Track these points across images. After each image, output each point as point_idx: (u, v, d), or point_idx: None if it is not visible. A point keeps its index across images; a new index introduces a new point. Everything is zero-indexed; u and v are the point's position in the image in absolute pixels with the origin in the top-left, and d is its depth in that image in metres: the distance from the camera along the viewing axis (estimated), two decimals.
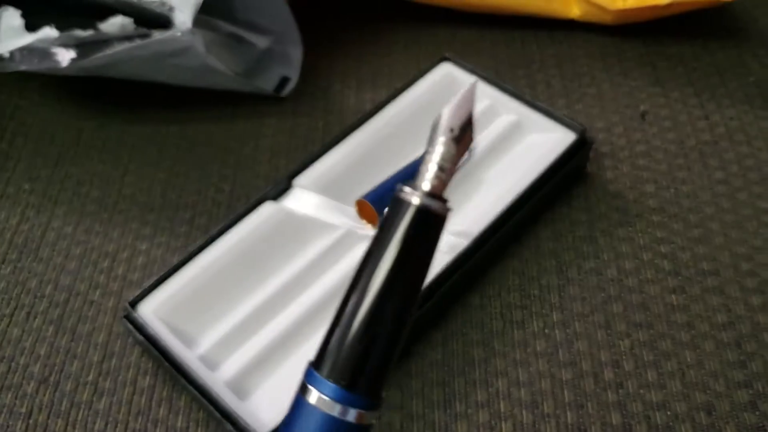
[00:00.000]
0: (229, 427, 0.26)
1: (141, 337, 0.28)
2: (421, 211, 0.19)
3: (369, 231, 0.31)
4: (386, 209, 0.30)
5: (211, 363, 0.28)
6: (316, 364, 0.19)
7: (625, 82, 0.38)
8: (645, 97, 0.37)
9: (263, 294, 0.29)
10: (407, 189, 0.19)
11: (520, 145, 0.34)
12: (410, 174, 0.31)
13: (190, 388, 0.27)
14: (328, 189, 0.32)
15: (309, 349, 0.28)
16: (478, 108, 0.34)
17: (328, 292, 0.29)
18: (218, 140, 0.37)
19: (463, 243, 0.30)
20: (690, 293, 0.31)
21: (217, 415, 0.26)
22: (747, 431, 0.27)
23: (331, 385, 0.19)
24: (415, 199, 0.19)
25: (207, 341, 0.28)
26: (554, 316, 0.30)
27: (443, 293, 0.29)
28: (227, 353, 0.28)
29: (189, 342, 0.28)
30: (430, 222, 0.19)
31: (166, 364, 0.28)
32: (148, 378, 0.29)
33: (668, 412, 0.28)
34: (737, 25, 0.40)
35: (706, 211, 0.33)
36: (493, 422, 0.28)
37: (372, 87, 0.37)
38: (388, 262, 0.19)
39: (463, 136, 0.20)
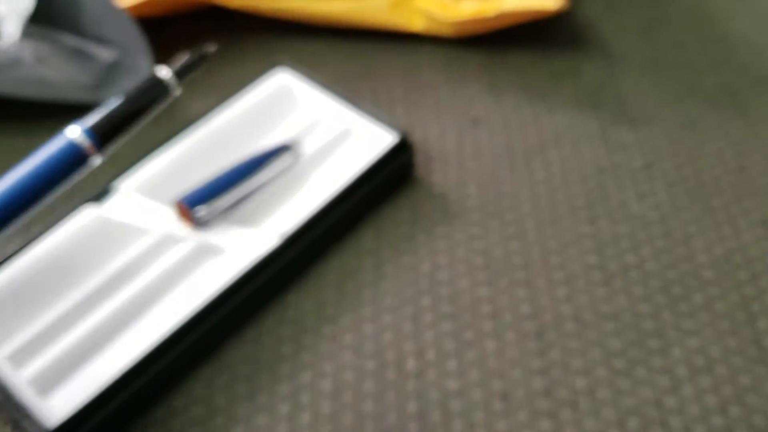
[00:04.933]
0: (25, 421, 0.27)
1: None
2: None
3: (186, 232, 0.32)
4: (199, 207, 0.31)
5: (16, 362, 0.29)
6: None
7: (463, 90, 0.40)
8: (480, 104, 0.39)
9: (71, 299, 0.30)
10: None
11: (346, 150, 0.35)
12: (229, 177, 0.32)
13: None
14: (151, 192, 0.33)
15: (111, 352, 0.29)
16: (311, 115, 0.36)
17: (136, 296, 0.30)
18: None
19: (277, 242, 0.31)
20: (497, 286, 0.32)
21: (14, 407, 0.27)
22: (539, 416, 0.28)
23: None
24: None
25: (14, 343, 0.29)
26: (365, 310, 0.31)
27: (256, 290, 0.30)
28: (33, 354, 0.29)
29: None
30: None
31: None
32: None
33: (465, 399, 0.29)
34: (577, 34, 0.42)
35: (523, 209, 0.34)
36: (293, 413, 0.28)
37: (219, 97, 0.38)
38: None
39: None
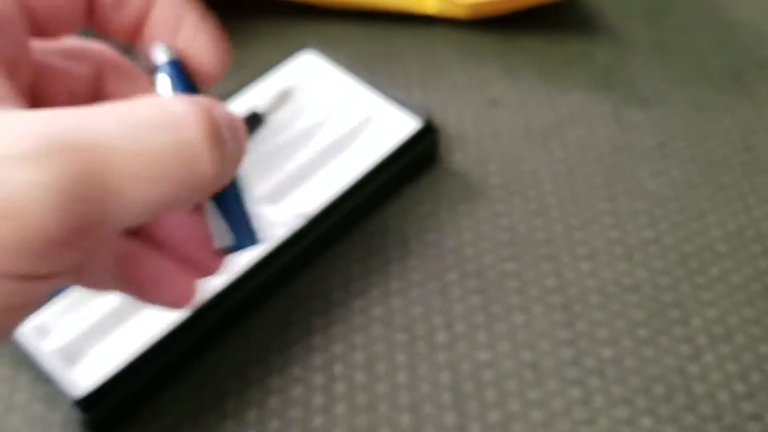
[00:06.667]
0: (54, 388, 0.27)
1: None
2: None
3: None
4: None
5: (42, 332, 0.28)
6: None
7: (478, 72, 0.40)
8: (497, 86, 0.39)
9: None
10: None
11: (371, 133, 0.35)
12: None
13: (20, 355, 0.28)
14: None
15: (134, 323, 0.29)
16: (337, 98, 0.36)
17: None
18: None
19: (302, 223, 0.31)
20: (523, 261, 0.32)
21: (44, 376, 0.27)
22: (568, 384, 0.29)
23: None
24: None
25: (38, 314, 0.29)
26: (393, 285, 0.31)
27: (281, 268, 0.30)
28: (57, 323, 0.29)
29: None
30: None
31: None
32: None
33: (496, 370, 0.29)
34: (587, 20, 0.43)
35: (544, 187, 0.35)
36: (328, 384, 0.29)
37: (234, 80, 0.38)
38: None
39: None
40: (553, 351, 0.30)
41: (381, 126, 0.35)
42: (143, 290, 0.20)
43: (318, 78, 0.36)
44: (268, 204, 0.32)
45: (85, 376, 0.27)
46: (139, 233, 0.20)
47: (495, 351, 0.30)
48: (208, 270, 0.20)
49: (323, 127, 0.35)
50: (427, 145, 0.34)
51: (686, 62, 0.41)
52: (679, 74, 0.41)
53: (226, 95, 0.35)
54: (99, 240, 0.15)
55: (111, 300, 0.29)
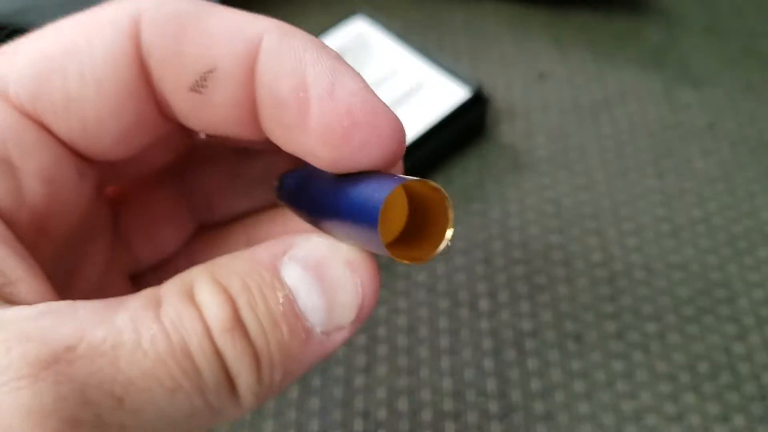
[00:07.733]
0: None
1: None
2: None
3: None
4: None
5: None
6: None
7: (528, 46, 0.40)
8: (546, 59, 0.39)
9: None
10: None
11: (421, 100, 0.35)
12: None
13: None
14: None
15: None
16: (386, 64, 0.36)
17: None
18: None
19: None
20: (569, 234, 0.32)
21: None
22: (612, 357, 0.29)
23: None
24: None
25: None
26: None
27: None
28: None
29: None
30: None
31: None
32: None
33: (538, 339, 0.29)
34: None
35: (591, 161, 0.35)
36: (370, 345, 0.29)
37: None
38: None
39: None
40: (597, 323, 0.30)
41: (430, 94, 0.35)
42: None
43: (368, 44, 0.36)
44: None
45: None
46: None
47: (538, 321, 0.30)
48: None
49: None
50: (476, 114, 0.34)
51: (738, 44, 0.41)
52: (731, 56, 0.40)
53: None
54: None
55: None
